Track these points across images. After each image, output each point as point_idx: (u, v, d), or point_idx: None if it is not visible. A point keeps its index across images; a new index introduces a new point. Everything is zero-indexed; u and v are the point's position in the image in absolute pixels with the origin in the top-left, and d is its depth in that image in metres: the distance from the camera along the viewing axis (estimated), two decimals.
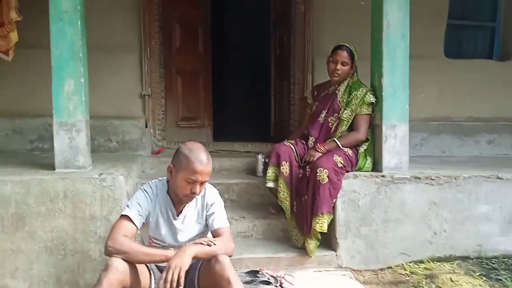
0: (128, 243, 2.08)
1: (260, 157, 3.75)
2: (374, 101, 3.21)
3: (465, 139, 4.51)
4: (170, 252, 2.09)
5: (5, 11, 3.40)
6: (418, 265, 3.05)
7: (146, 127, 4.21)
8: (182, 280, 2.00)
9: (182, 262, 2.02)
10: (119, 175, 2.86)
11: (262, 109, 5.57)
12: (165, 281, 1.98)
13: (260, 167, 3.72)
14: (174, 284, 1.98)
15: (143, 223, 2.23)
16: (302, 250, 3.02)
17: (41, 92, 3.75)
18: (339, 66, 3.25)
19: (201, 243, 2.10)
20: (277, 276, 2.66)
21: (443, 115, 4.52)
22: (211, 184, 2.37)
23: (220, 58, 5.89)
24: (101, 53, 3.83)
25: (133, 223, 2.15)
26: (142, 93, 4.19)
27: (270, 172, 3.19)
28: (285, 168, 3.14)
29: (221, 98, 5.83)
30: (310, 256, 2.99)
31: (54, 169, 2.95)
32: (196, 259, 2.15)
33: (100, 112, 3.80)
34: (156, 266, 2.30)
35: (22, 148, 3.96)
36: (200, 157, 2.13)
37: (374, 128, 3.29)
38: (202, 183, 2.16)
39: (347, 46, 3.28)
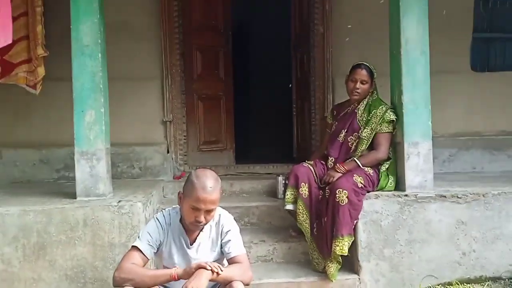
0: (134, 270, 2.08)
1: (280, 178, 3.72)
2: (394, 119, 3.15)
3: (496, 154, 4.32)
4: (174, 270, 2.07)
5: (32, 47, 3.57)
6: (447, 287, 2.92)
7: (168, 152, 4.26)
8: None
9: (199, 284, 1.99)
10: (137, 202, 2.90)
11: (285, 130, 5.55)
12: None
13: (281, 188, 3.69)
14: None
15: (155, 253, 2.23)
16: (324, 274, 2.94)
17: (67, 122, 3.82)
18: (358, 85, 3.22)
19: (205, 268, 2.04)
20: None
21: (472, 130, 4.36)
22: (231, 207, 2.38)
23: (241, 80, 5.94)
24: (124, 82, 3.96)
25: (143, 253, 2.15)
26: (164, 120, 4.25)
27: (289, 194, 3.15)
28: (303, 189, 3.09)
29: (243, 121, 5.86)
30: (332, 280, 2.90)
31: (75, 197, 3.02)
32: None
33: (123, 139, 3.90)
34: None
35: (48, 177, 4.09)
36: (205, 184, 2.09)
37: (396, 146, 3.21)
38: (207, 212, 2.12)
39: (366, 65, 3.26)
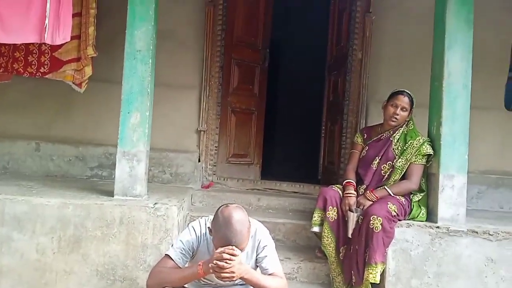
0: (162, 272, 2.15)
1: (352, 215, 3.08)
2: (431, 153, 3.14)
3: None
4: (198, 267, 2.10)
5: (83, 47, 3.67)
6: None
7: (199, 161, 4.31)
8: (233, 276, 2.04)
9: (239, 269, 2.04)
10: (173, 206, 2.94)
11: (311, 151, 5.59)
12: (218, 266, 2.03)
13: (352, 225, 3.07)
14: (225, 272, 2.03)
15: (189, 260, 2.26)
16: None
17: (106, 123, 4.02)
18: (398, 111, 3.20)
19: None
20: None
21: (502, 168, 4.33)
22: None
23: (273, 97, 6.02)
24: (164, 89, 4.00)
25: (175, 262, 2.20)
26: (198, 129, 4.31)
27: (316, 216, 3.17)
28: (331, 213, 3.11)
29: (271, 137, 5.91)
30: None
31: (112, 195, 3.08)
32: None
33: (157, 144, 3.94)
34: None
35: (82, 174, 4.16)
36: (231, 235, 2.06)
37: (430, 177, 3.21)
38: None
39: (408, 92, 3.26)
